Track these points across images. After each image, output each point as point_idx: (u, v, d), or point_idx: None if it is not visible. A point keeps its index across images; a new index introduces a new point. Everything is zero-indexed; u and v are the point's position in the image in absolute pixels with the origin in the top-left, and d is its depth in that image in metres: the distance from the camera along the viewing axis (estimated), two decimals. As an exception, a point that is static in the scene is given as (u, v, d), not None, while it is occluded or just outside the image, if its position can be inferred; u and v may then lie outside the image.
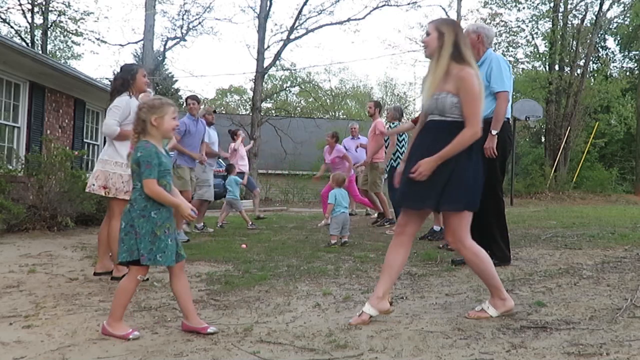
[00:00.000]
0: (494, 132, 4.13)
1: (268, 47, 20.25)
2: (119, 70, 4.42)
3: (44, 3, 21.97)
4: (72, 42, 25.33)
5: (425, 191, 2.83)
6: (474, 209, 2.89)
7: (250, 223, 8.27)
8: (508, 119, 4.35)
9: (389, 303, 2.93)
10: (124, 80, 4.22)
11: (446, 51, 2.86)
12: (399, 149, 7.03)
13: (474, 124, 2.80)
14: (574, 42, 22.87)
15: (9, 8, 21.83)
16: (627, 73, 27.54)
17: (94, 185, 4.11)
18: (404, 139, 7.14)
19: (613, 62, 29.63)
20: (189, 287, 2.92)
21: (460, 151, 2.81)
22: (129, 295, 2.79)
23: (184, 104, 7.12)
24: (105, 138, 4.30)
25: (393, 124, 7.21)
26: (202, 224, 7.69)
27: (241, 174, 9.25)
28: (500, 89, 4.18)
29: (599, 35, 26.07)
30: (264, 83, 22.13)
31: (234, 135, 9.73)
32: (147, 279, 2.86)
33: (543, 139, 24.37)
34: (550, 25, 22.88)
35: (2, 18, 22.04)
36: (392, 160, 7.05)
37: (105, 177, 4.07)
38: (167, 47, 21.42)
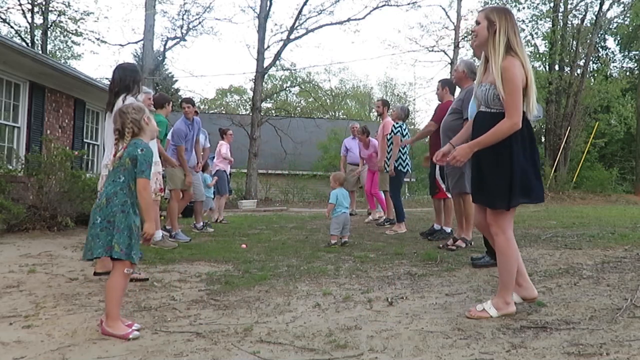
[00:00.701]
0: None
1: (268, 47, 20.26)
2: (126, 67, 4.41)
3: (44, 3, 21.97)
4: (72, 42, 25.36)
5: (497, 189, 2.85)
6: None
7: (201, 224, 7.67)
8: None
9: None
10: (134, 79, 4.28)
11: (499, 42, 2.81)
12: (401, 149, 7.02)
13: (513, 115, 2.76)
14: (574, 42, 22.86)
15: (9, 8, 21.85)
16: (627, 73, 27.54)
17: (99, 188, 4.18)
18: (406, 138, 7.13)
19: (613, 62, 29.64)
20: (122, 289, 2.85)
21: (513, 146, 2.79)
22: (120, 291, 2.79)
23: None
24: (104, 140, 4.33)
25: (397, 123, 7.17)
26: (202, 223, 7.69)
27: (220, 173, 9.16)
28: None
29: (599, 35, 26.08)
30: (264, 83, 22.12)
31: (223, 134, 9.64)
32: (132, 272, 2.86)
33: (543, 139, 24.36)
34: (550, 25, 22.88)
35: (2, 18, 22.05)
36: (394, 162, 7.04)
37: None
38: (167, 47, 21.44)
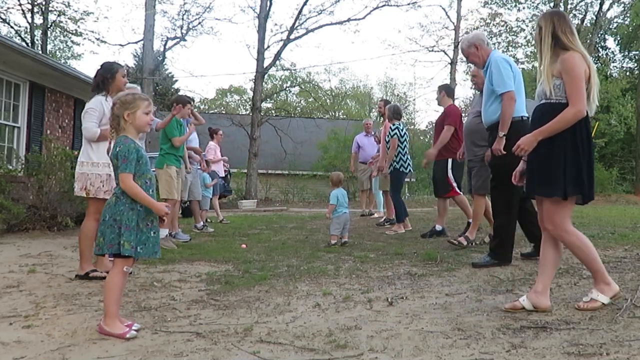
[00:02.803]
0: (501, 134, 4.16)
1: (268, 47, 20.26)
2: (99, 67, 4.40)
3: (43, 3, 21.97)
4: (72, 42, 25.39)
5: (551, 177, 2.88)
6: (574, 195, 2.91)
7: (201, 224, 7.68)
8: (526, 117, 4.30)
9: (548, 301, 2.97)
10: (104, 78, 4.23)
11: (545, 43, 2.95)
12: (401, 150, 7.02)
13: (576, 103, 2.82)
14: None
15: (8, 8, 21.86)
16: (627, 73, 27.57)
17: (75, 187, 4.19)
18: (405, 139, 7.12)
19: (613, 62, 29.66)
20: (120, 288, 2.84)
21: (568, 139, 2.84)
22: (118, 290, 2.78)
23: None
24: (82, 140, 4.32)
25: (394, 125, 7.14)
26: (202, 223, 7.69)
27: (212, 173, 9.04)
28: (503, 90, 4.18)
29: (599, 35, 26.10)
30: (264, 83, 22.12)
31: (213, 134, 9.44)
32: (132, 272, 2.86)
33: (543, 139, 24.33)
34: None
35: (2, 18, 22.06)
36: (394, 163, 7.03)
37: (84, 179, 4.11)
38: (167, 47, 21.40)
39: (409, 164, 7.12)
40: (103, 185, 4.06)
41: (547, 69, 2.93)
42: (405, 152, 7.12)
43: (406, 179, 8.02)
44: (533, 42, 23.75)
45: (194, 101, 7.13)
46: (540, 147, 2.92)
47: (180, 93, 27.77)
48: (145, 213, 2.78)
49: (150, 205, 2.78)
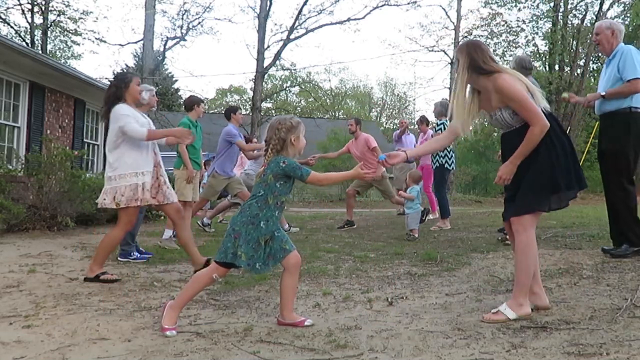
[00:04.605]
0: (604, 93, 4.25)
1: (268, 47, 20.28)
2: (112, 78, 4.43)
3: (43, 3, 21.97)
4: (72, 42, 25.35)
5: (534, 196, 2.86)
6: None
7: (207, 220, 7.66)
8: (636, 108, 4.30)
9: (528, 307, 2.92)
10: (118, 88, 4.23)
11: (463, 76, 2.93)
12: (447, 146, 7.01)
13: (535, 121, 2.80)
14: (574, 42, 22.87)
15: (8, 8, 21.86)
16: (627, 73, 27.51)
17: (105, 200, 4.10)
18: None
19: (613, 62, 29.59)
20: (296, 286, 3.00)
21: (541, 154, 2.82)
22: (198, 286, 2.88)
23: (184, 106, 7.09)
24: (105, 146, 4.31)
25: (440, 120, 7.15)
26: (207, 220, 7.67)
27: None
28: (632, 76, 4.18)
29: (599, 35, 26.04)
30: (264, 83, 22.13)
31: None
32: (219, 279, 2.92)
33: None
34: (551, 25, 22.89)
35: (2, 18, 22.05)
36: (440, 158, 7.07)
37: (113, 192, 4.07)
38: (167, 47, 21.41)
39: (453, 161, 7.18)
40: (134, 194, 4.05)
41: (468, 106, 2.96)
42: (452, 148, 7.15)
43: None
44: (533, 42, 23.82)
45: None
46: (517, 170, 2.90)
47: (180, 93, 27.87)
48: (267, 231, 2.83)
49: (346, 177, 3.19)
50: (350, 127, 7.98)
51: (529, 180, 2.87)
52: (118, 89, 4.23)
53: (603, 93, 4.27)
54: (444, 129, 6.96)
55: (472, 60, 2.89)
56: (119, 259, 4.93)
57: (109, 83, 4.48)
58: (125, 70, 22.64)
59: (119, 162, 4.12)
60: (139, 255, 5.06)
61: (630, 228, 4.28)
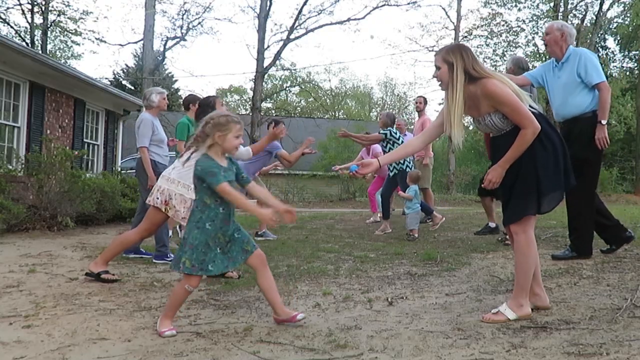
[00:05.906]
0: (603, 121, 4.19)
1: (268, 47, 20.29)
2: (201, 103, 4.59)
3: (43, 3, 21.97)
4: (72, 42, 25.36)
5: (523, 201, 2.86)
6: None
7: None
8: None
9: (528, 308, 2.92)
10: (203, 109, 4.26)
11: (459, 81, 2.82)
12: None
13: (527, 124, 2.76)
14: (574, 42, 22.85)
15: (8, 8, 21.86)
16: (627, 73, 27.52)
17: (158, 199, 4.01)
18: (402, 141, 7.10)
19: (613, 62, 29.63)
20: (274, 282, 2.95)
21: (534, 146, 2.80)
22: (177, 301, 2.84)
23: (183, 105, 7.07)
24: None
25: (383, 130, 7.12)
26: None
27: None
28: (599, 80, 4.18)
29: (599, 35, 26.08)
30: (264, 83, 22.14)
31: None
32: (192, 290, 2.86)
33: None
34: (550, 25, 22.85)
35: (2, 18, 22.06)
36: (400, 164, 7.02)
37: (169, 195, 3.99)
38: (167, 47, 21.43)
39: (410, 160, 7.18)
40: (183, 212, 3.96)
41: (461, 111, 2.85)
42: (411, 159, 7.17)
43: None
44: (533, 42, 23.82)
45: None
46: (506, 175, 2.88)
47: (180, 93, 27.86)
48: (214, 232, 2.75)
49: (250, 210, 2.77)
50: (418, 104, 8.21)
51: (517, 186, 2.85)
52: (203, 110, 4.24)
53: (604, 122, 4.18)
54: (389, 137, 6.87)
55: (465, 64, 2.82)
56: (154, 260, 4.88)
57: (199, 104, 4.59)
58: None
59: (187, 173, 3.88)
60: (167, 256, 4.93)
61: (583, 236, 4.34)
